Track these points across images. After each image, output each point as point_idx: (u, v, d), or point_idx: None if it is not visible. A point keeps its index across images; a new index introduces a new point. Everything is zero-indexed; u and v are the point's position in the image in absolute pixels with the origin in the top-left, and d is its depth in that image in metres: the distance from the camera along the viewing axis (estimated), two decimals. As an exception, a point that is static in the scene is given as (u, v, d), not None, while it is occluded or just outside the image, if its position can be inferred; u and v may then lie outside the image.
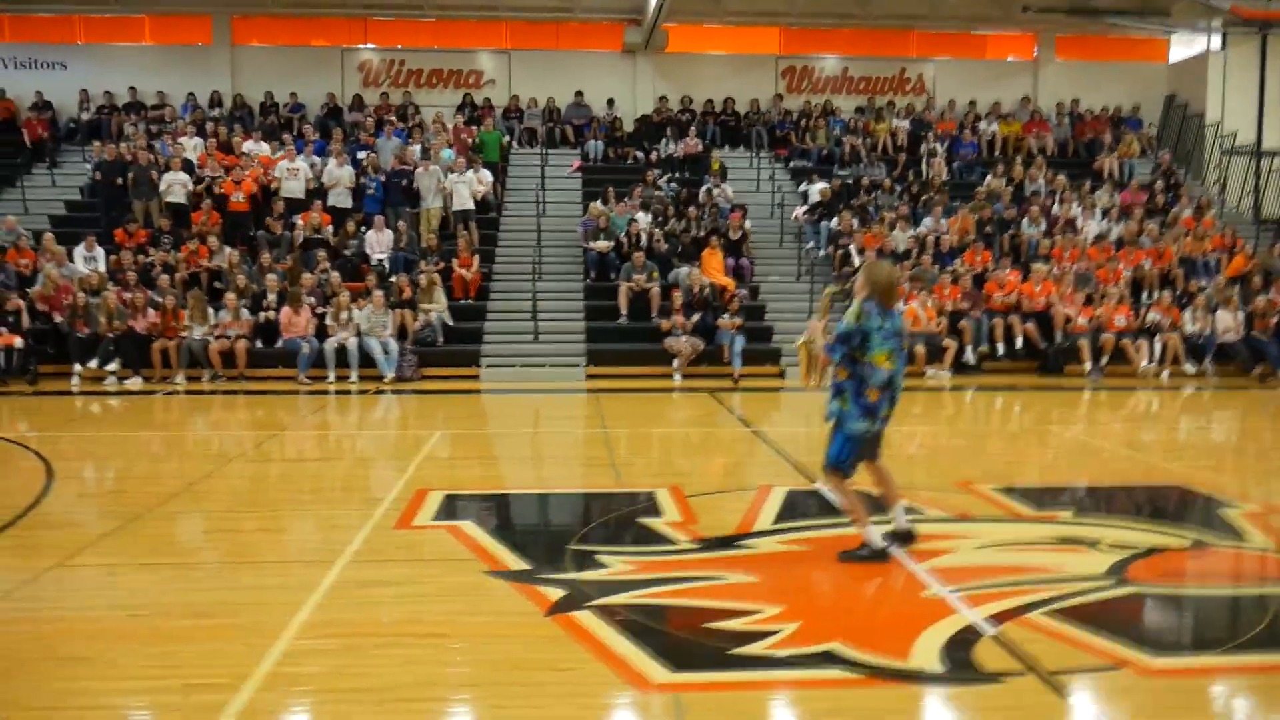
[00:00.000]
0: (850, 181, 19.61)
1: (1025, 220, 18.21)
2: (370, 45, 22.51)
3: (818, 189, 19.30)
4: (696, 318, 14.96)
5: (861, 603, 5.07)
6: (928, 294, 15.25)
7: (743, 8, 22.26)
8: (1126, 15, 20.42)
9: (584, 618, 4.71)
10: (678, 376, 14.57)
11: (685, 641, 4.45)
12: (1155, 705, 3.87)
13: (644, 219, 17.45)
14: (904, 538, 5.78)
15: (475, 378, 14.66)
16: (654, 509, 6.80)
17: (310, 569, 5.41)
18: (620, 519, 6.65)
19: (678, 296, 15.16)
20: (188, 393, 13.41)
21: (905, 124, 21.82)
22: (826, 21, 22.90)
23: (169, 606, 4.85)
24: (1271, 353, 15.01)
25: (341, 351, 14.26)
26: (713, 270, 16.08)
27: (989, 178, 19.98)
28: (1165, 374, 15.01)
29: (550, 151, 20.78)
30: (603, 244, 16.73)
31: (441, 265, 15.97)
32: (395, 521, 6.45)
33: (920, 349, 14.82)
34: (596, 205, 17.51)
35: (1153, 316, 15.59)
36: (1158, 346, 15.23)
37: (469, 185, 17.43)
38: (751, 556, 5.76)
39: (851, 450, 5.61)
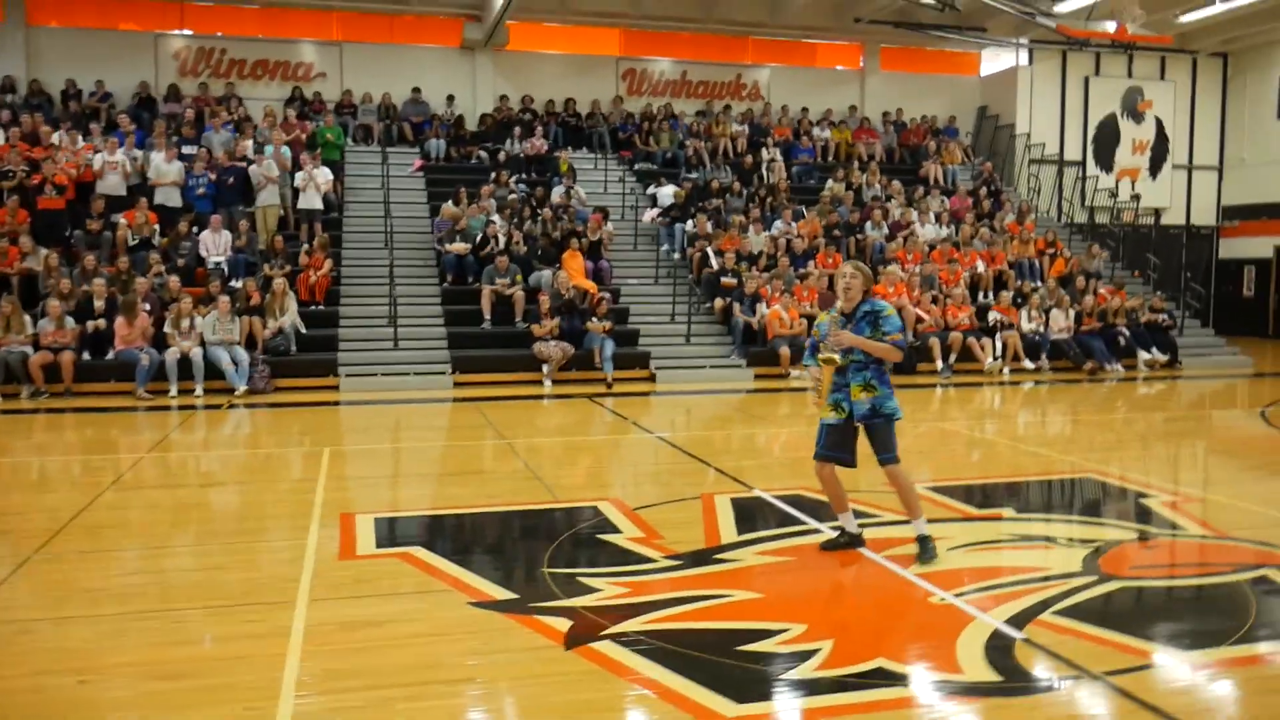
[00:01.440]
0: (700, 184, 19.74)
1: (869, 224, 18.87)
2: (186, 31, 20.89)
3: (668, 192, 19.36)
4: (559, 321, 14.63)
5: (880, 614, 4.96)
6: (790, 296, 15.50)
7: (586, 7, 22.06)
8: (946, 29, 21.53)
9: (608, 649, 4.40)
10: (548, 383, 14.21)
11: (729, 668, 4.20)
12: (1211, 699, 3.93)
13: (499, 221, 16.96)
14: (854, 542, 5.87)
15: (335, 388, 13.79)
16: (608, 525, 6.54)
17: (271, 612, 4.83)
18: (580, 538, 6.32)
19: (544, 300, 14.80)
20: (5, 412, 11.95)
21: (744, 129, 22.20)
22: (667, 25, 23.03)
23: (122, 667, 4.18)
24: (1098, 349, 16.12)
25: (185, 362, 13.10)
26: (574, 273, 15.80)
27: (829, 183, 20.61)
28: (1006, 370, 15.86)
29: (389, 150, 19.91)
30: (460, 246, 16.14)
31: (288, 269, 14.96)
32: (337, 551, 5.89)
33: (785, 351, 15.07)
34: (450, 206, 16.88)
35: (993, 316, 16.45)
36: (999, 344, 16.07)
37: (313, 183, 16.42)
38: (740, 571, 5.58)
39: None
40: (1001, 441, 10.09)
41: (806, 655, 4.33)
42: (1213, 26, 22.26)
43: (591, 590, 5.20)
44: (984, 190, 21.39)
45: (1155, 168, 24.68)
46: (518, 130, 20.58)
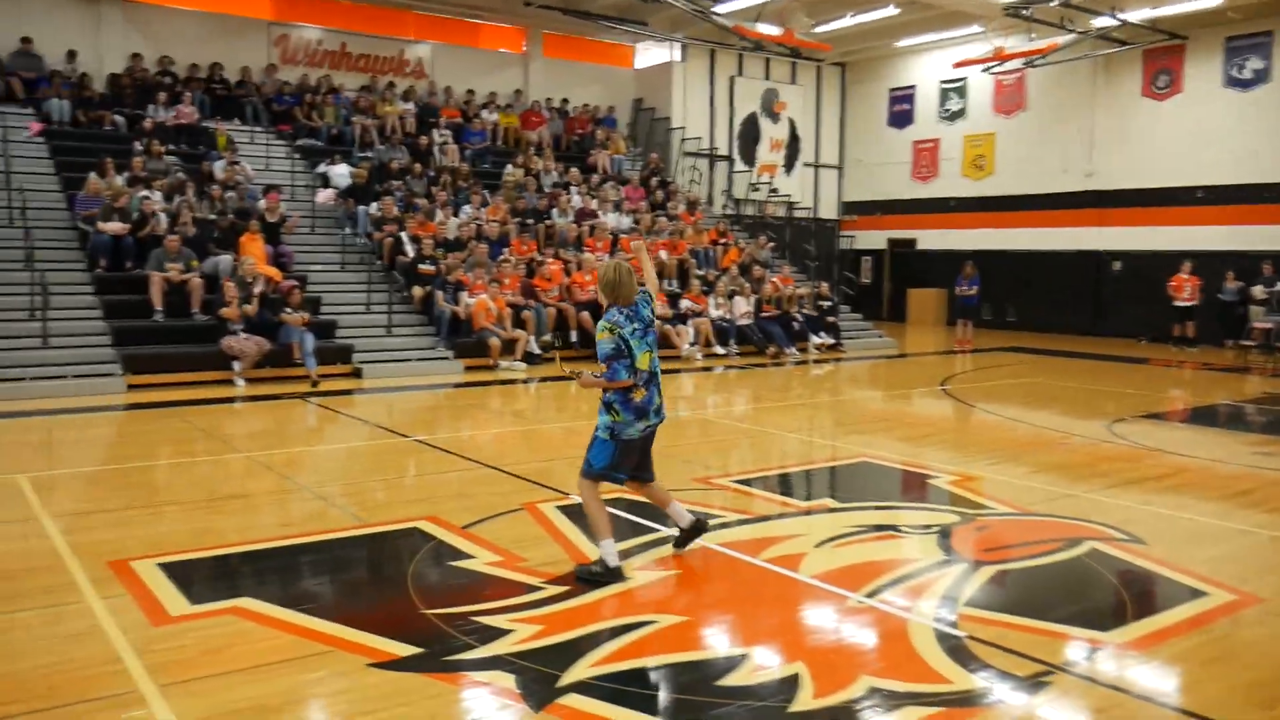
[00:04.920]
0: (377, 165, 18.55)
1: (555, 210, 18.75)
2: None
3: (344, 171, 18.02)
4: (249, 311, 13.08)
5: (817, 626, 4.77)
6: (497, 285, 14.98)
7: (233, -37, 19.88)
8: (611, 20, 21.92)
9: (582, 704, 3.88)
10: (241, 382, 12.63)
11: (734, 711, 3.82)
12: (1181, 676, 4.17)
13: (157, 197, 14.82)
14: (699, 528, 5.73)
15: (-32, 398, 11.30)
16: (449, 549, 5.86)
17: (112, 709, 3.72)
18: (431, 568, 5.57)
19: (229, 288, 13.12)
20: None
21: (411, 107, 21.19)
22: (323, -11, 21.37)
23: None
24: (778, 334, 17.20)
25: None
26: (257, 259, 14.16)
27: (509, 167, 20.23)
28: (700, 355, 16.45)
29: (-1, 109, 16.79)
30: (117, 226, 13.87)
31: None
32: (143, 616, 4.71)
33: (495, 342, 14.56)
34: (96, 179, 14.47)
35: (685, 304, 16.99)
36: (691, 331, 16.62)
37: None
38: (639, 592, 5.20)
39: (619, 456, 5.37)
40: (753, 428, 10.36)
41: (790, 684, 4.07)
42: (836, 38, 24.52)
43: (503, 632, 4.57)
44: (654, 180, 22.03)
45: (790, 164, 26.82)
46: (162, 96, 18.12)
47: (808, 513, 6.85)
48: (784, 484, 7.96)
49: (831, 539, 6.08)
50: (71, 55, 18.33)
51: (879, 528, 6.36)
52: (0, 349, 12.05)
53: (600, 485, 5.44)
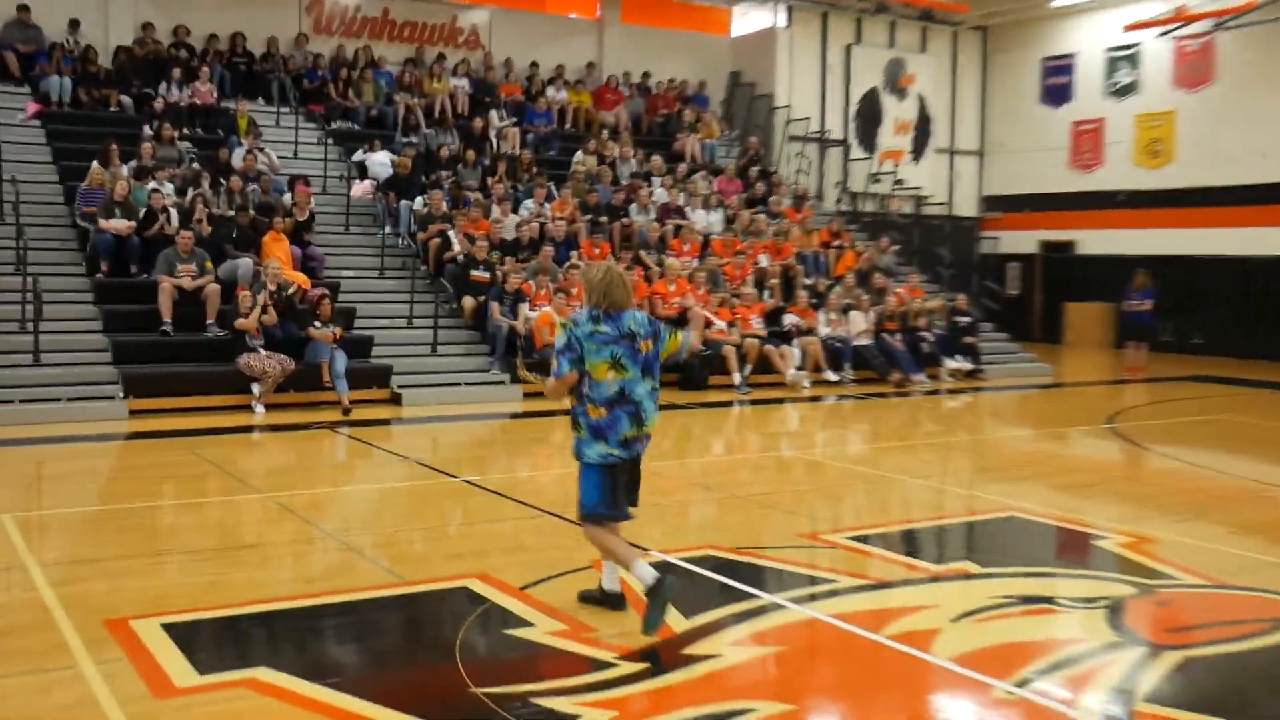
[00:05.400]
0: (423, 151, 18.88)
1: (633, 207, 18.85)
2: None
3: (384, 159, 18.41)
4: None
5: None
6: (564, 296, 15.08)
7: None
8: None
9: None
10: (260, 408, 12.90)
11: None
12: None
13: (168, 190, 15.28)
14: (614, 601, 5.86)
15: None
16: (504, 614, 5.88)
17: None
18: (483, 637, 5.60)
19: (245, 298, 13.42)
20: None
21: (464, 84, 21.55)
22: (365, -54, 21.92)
23: None
24: (903, 357, 16.99)
25: None
26: (282, 262, 14.48)
27: (579, 155, 20.42)
28: (808, 383, 16.32)
29: (-9, 87, 17.53)
30: (120, 223, 14.34)
31: None
32: (145, 686, 4.79)
33: (561, 362, 14.62)
34: (100, 169, 14.98)
35: (789, 320, 16.90)
36: (797, 353, 16.50)
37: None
38: (733, 672, 5.16)
39: (601, 487, 5.66)
40: (872, 473, 10.26)
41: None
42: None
43: (568, 718, 4.53)
44: (753, 171, 22.02)
45: (918, 151, 26.59)
46: (176, 72, 18.72)
47: (940, 579, 6.76)
48: (910, 542, 7.86)
49: (971, 613, 5.96)
50: (74, 25, 19.04)
51: (1030, 599, 6.24)
52: (-14, 366, 12.51)
53: (605, 527, 5.71)
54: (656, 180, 20.17)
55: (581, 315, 5.61)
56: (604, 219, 18.31)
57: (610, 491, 5.64)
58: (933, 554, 7.70)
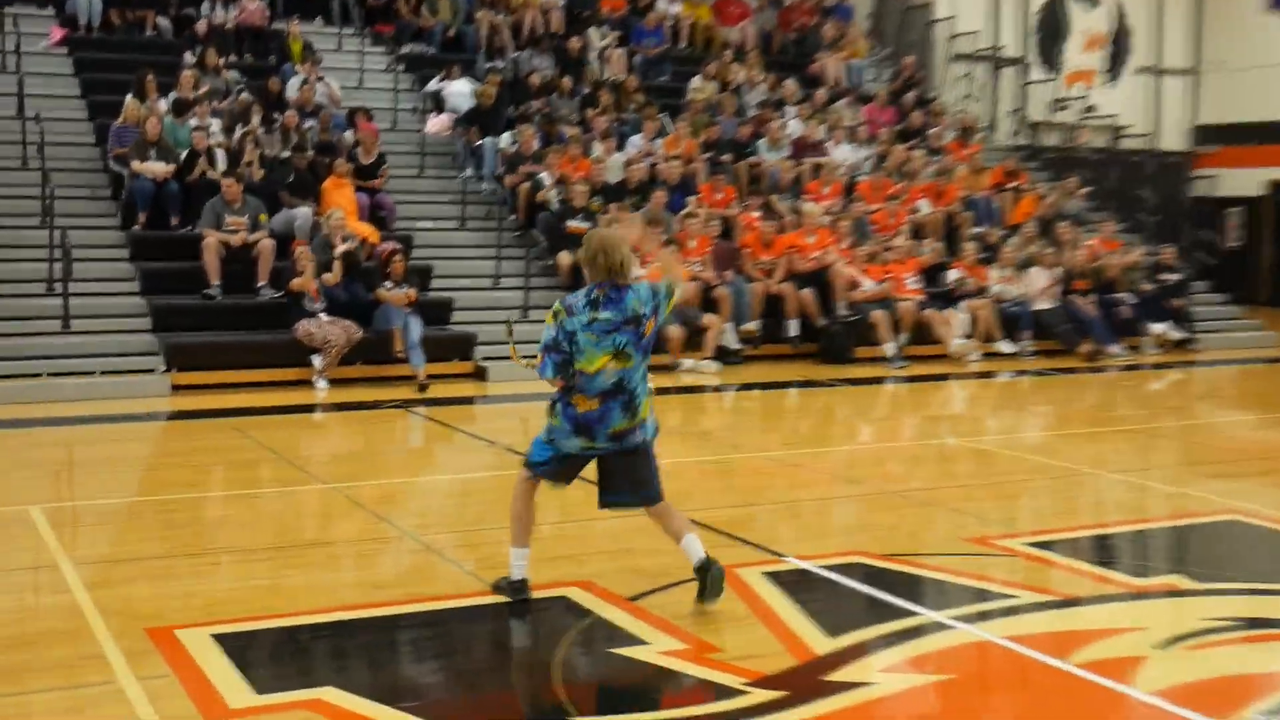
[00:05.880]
0: (510, 79, 19.06)
1: (762, 142, 18.81)
2: None
3: (464, 89, 18.64)
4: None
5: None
6: (679, 249, 15.11)
7: None
8: None
9: None
10: (321, 382, 13.22)
11: None
12: None
13: (216, 127, 15.68)
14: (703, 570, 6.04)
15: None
16: (611, 630, 5.95)
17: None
18: (585, 655, 5.67)
19: (303, 254, 13.71)
20: None
21: (558, -2, 21.71)
22: None
23: None
24: (1095, 324, 16.72)
25: None
26: (347, 213, 14.78)
27: (695, 80, 20.42)
28: (976, 354, 16.14)
29: (10, 9, 18.13)
30: (158, 166, 14.78)
31: None
32: (193, 707, 4.94)
33: (675, 332, 14.67)
34: (135, 103, 15.43)
35: (953, 276, 16.73)
36: (963, 318, 16.32)
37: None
38: (888, 703, 5.16)
39: (554, 464, 6.11)
40: (1055, 465, 10.20)
41: None
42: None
43: (694, 756, 4.60)
44: (908, 97, 21.78)
45: (1114, 71, 26.05)
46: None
47: (1143, 595, 6.68)
48: (1103, 550, 7.81)
49: (1181, 637, 5.90)
50: (105, -65, 19.63)
51: (1257, 623, 6.17)
52: (9, 334, 13.03)
53: (539, 484, 6.20)
54: (790, 110, 20.09)
55: (577, 301, 5.77)
56: (727, 157, 18.34)
57: (565, 470, 6.15)
58: (1133, 565, 7.62)
